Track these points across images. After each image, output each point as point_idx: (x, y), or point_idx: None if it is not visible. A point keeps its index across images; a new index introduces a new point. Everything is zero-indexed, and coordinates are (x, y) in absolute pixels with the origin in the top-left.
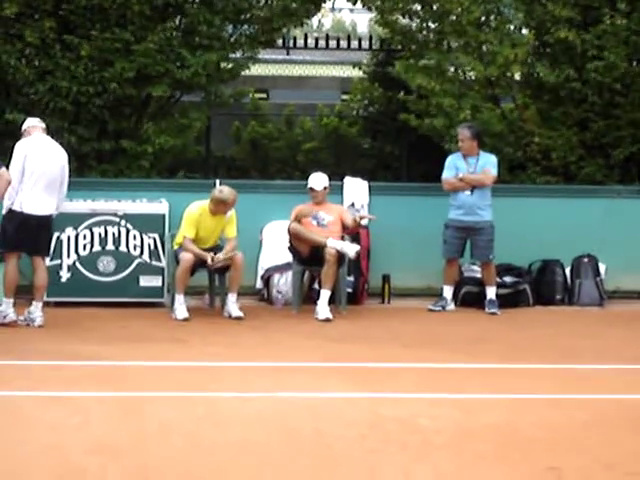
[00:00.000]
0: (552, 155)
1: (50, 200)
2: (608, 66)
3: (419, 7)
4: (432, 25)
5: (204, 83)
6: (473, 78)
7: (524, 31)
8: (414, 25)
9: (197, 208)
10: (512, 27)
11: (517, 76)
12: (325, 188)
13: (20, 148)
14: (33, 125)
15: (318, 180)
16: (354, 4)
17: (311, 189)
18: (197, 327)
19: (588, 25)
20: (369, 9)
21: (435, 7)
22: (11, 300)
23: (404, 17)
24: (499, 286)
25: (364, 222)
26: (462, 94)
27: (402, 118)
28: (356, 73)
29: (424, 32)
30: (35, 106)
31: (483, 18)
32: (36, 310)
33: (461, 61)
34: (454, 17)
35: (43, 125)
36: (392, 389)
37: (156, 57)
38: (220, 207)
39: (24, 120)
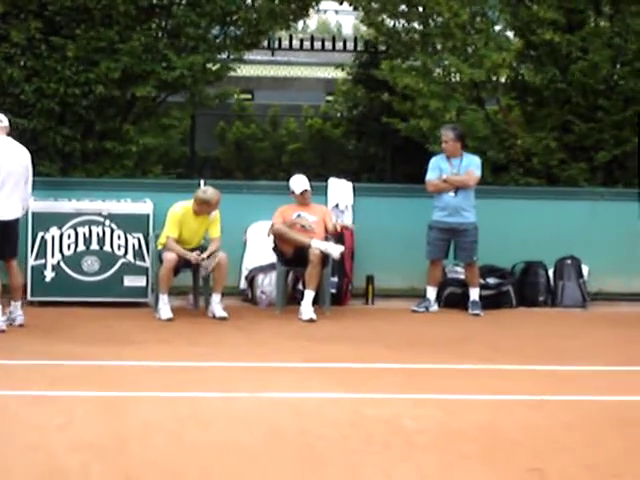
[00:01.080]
0: (534, 160)
1: (17, 202)
2: (592, 67)
3: (405, 8)
4: (417, 27)
5: (189, 84)
6: (458, 80)
7: (509, 33)
8: (400, 26)
9: (180, 208)
10: (497, 29)
11: (502, 78)
12: (306, 190)
13: None
14: None
15: (299, 183)
16: (340, 4)
17: (292, 193)
18: (181, 327)
19: (573, 28)
20: (355, 9)
21: (421, 9)
22: None
23: (390, 18)
24: (482, 287)
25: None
26: (448, 95)
27: (386, 121)
28: (341, 74)
29: (410, 34)
30: (21, 106)
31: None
32: (16, 310)
33: (448, 62)
34: (441, 19)
35: (4, 124)
36: (375, 389)
37: (141, 56)
38: (203, 207)
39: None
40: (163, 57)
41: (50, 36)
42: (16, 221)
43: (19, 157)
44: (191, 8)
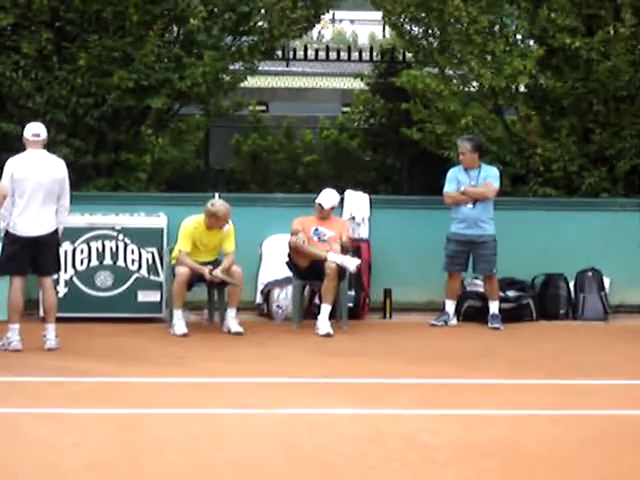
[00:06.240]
0: (554, 167)
1: (48, 217)
2: (613, 71)
3: (423, 14)
4: (437, 32)
5: (203, 93)
6: (476, 89)
7: (530, 41)
8: (420, 31)
9: (192, 222)
10: (519, 37)
11: (522, 87)
12: (333, 208)
13: (7, 167)
14: (26, 139)
15: (329, 198)
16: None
17: (319, 205)
18: (196, 343)
19: (592, 35)
20: (378, 9)
21: (438, 14)
22: (17, 326)
23: (411, 22)
24: (502, 300)
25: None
26: (466, 103)
27: (403, 132)
28: (357, 85)
29: (430, 39)
30: (32, 118)
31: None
32: (48, 332)
33: (470, 65)
34: (460, 25)
35: (36, 138)
36: (393, 405)
37: (154, 66)
38: (213, 220)
39: (21, 131)
40: (177, 64)
41: (61, 47)
42: (49, 236)
43: (49, 171)
44: (205, 15)
